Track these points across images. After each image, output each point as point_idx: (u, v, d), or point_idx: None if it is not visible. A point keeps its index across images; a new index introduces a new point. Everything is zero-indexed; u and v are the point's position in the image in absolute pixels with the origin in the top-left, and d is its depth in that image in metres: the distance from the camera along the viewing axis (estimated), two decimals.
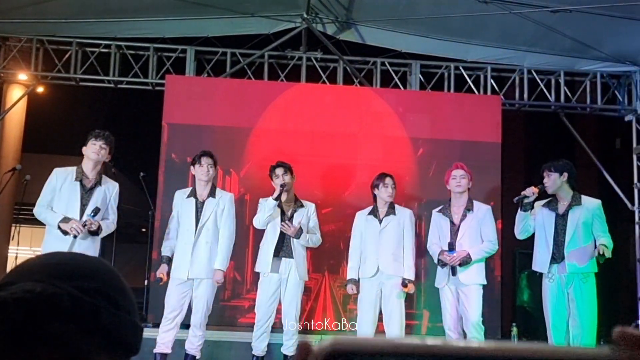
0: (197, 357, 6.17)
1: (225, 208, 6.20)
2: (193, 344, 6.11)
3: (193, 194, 6.17)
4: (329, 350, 0.51)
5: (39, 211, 5.80)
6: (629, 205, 8.80)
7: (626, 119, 9.05)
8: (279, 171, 6.26)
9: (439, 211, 6.29)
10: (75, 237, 5.66)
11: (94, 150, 5.82)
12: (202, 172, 6.12)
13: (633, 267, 8.82)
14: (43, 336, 0.80)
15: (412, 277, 6.22)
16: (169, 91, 8.08)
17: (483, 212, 6.21)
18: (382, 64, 8.87)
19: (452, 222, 6.16)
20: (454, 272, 6.07)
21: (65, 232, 5.67)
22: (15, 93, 9.38)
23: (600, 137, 10.30)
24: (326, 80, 8.81)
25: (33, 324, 0.80)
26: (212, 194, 6.17)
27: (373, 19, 8.32)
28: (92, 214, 5.71)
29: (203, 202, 6.13)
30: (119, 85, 8.84)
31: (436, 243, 6.22)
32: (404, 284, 6.16)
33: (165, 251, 6.19)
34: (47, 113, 10.32)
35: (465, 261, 6.02)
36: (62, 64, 8.65)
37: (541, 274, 6.06)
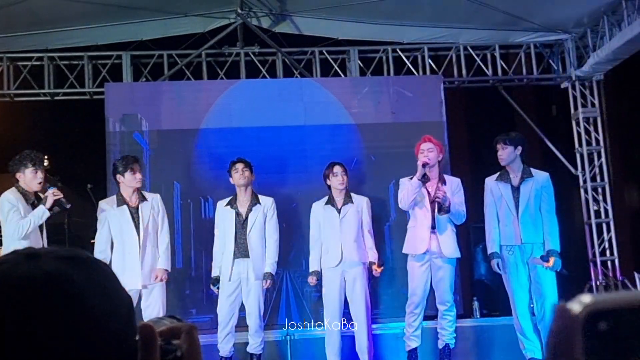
0: None
1: (161, 209, 6.20)
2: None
3: (122, 202, 6.09)
4: (590, 309, 0.51)
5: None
6: (572, 170, 9.03)
7: (562, 86, 9.25)
8: (239, 166, 6.25)
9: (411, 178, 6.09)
10: None
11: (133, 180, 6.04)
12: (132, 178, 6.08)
13: (579, 229, 9.08)
14: None
15: (376, 260, 6.28)
16: (110, 100, 7.92)
17: (455, 184, 6.23)
18: (321, 53, 8.86)
19: (428, 193, 6.08)
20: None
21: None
22: None
23: (537, 107, 10.50)
24: (266, 74, 8.77)
25: None
26: (142, 198, 6.13)
27: (307, 8, 8.29)
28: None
29: (136, 208, 6.06)
30: (55, 98, 8.61)
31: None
32: (372, 267, 6.21)
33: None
34: None
35: (446, 200, 5.94)
36: None
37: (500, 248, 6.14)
